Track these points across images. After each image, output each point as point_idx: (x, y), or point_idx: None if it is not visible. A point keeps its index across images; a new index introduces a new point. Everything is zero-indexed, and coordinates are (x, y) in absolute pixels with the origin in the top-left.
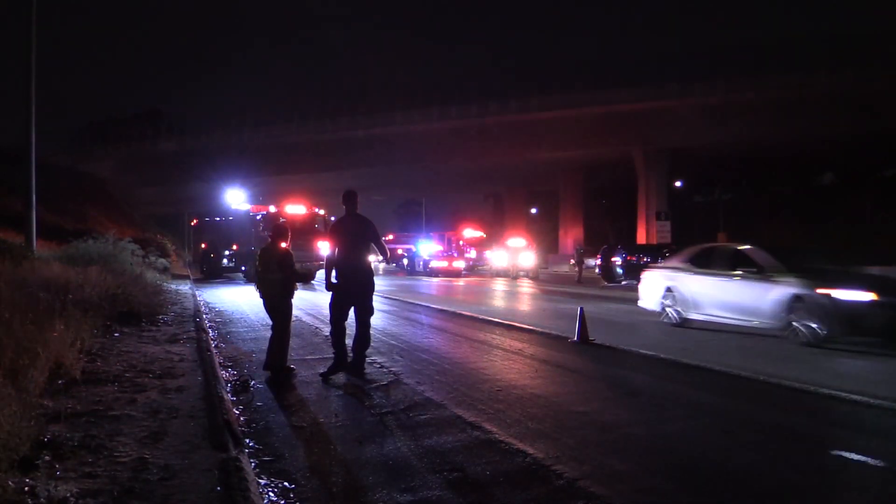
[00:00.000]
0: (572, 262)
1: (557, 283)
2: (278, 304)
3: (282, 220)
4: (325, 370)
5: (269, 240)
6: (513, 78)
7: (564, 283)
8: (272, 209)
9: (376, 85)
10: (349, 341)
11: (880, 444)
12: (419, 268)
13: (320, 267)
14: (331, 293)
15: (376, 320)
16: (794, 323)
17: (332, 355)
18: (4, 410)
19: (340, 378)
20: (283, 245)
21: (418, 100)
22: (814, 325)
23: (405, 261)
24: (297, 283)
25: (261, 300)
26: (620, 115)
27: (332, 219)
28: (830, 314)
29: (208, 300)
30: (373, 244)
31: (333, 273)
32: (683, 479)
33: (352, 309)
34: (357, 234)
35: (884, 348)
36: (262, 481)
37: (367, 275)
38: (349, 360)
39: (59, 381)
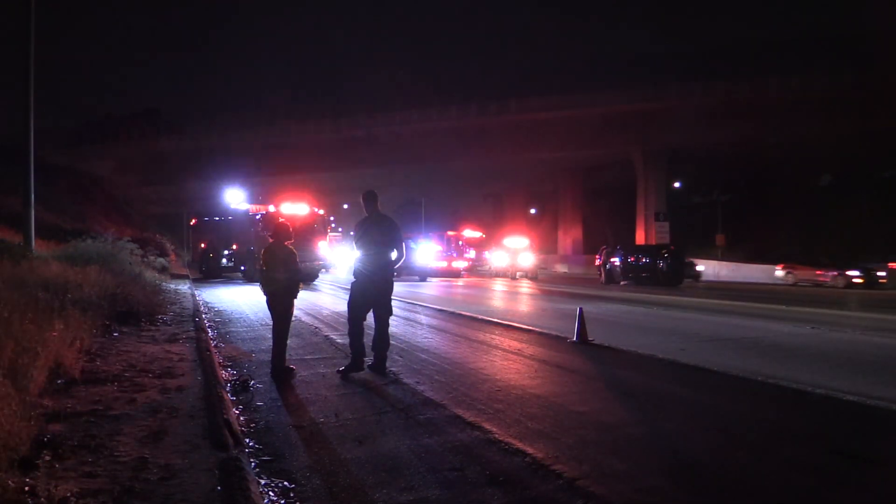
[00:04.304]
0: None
1: (556, 282)
2: (282, 304)
3: (281, 219)
4: (343, 368)
5: (272, 239)
6: (513, 78)
7: (564, 283)
8: (272, 209)
9: (376, 85)
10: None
11: (877, 444)
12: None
13: (321, 266)
14: (349, 293)
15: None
16: None
17: (332, 355)
18: (4, 410)
19: (339, 378)
20: (288, 244)
21: (418, 100)
22: None
23: None
24: (301, 283)
25: (263, 299)
26: (620, 116)
27: (363, 218)
28: None
29: (207, 300)
30: (394, 247)
31: (356, 269)
32: (682, 478)
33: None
34: (383, 237)
35: None
36: (263, 481)
37: (390, 276)
38: (369, 360)
39: (59, 381)
